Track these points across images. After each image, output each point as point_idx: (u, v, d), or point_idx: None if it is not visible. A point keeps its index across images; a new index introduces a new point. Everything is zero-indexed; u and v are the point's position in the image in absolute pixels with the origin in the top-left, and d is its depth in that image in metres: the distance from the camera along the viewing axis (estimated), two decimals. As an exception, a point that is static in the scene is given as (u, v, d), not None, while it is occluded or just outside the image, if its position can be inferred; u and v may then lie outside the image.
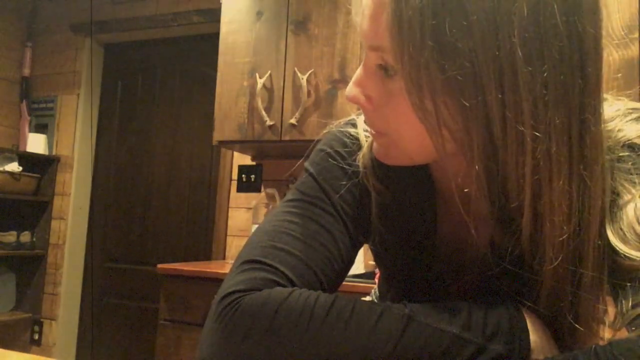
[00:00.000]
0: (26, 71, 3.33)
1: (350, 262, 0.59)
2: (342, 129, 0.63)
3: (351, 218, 0.58)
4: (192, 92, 3.04)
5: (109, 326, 3.12)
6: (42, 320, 3.16)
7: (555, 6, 0.41)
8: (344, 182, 0.59)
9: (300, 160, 0.68)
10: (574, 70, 0.42)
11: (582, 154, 0.44)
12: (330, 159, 0.60)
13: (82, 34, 3.23)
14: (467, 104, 0.42)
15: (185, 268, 2.06)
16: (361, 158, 0.60)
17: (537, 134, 0.42)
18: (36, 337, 3.16)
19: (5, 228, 3.08)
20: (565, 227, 0.45)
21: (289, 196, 0.59)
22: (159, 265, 2.10)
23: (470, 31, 0.40)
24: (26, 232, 3.13)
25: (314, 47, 2.12)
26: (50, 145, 3.23)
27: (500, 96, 0.42)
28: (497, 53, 0.41)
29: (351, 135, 0.62)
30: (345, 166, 0.60)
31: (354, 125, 0.63)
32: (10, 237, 3.05)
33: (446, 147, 0.45)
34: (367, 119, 0.53)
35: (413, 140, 0.48)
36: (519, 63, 0.41)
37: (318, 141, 0.64)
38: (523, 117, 0.42)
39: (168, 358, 2.04)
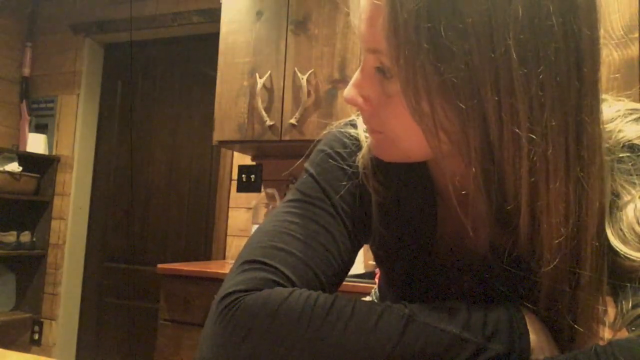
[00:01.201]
0: (26, 71, 3.32)
1: (350, 262, 0.59)
2: (342, 130, 0.63)
3: (351, 218, 0.58)
4: (192, 92, 3.04)
5: (109, 326, 3.12)
6: (42, 320, 3.16)
7: (551, 7, 0.40)
8: (344, 183, 0.59)
9: (300, 160, 0.68)
10: (570, 71, 0.42)
11: (579, 155, 0.44)
12: (330, 160, 0.60)
13: (82, 34, 3.23)
14: (463, 106, 0.42)
15: (185, 268, 2.06)
16: (361, 159, 0.60)
17: (533, 136, 0.42)
18: (36, 337, 3.16)
19: (5, 228, 3.07)
20: (562, 229, 0.45)
21: (289, 196, 0.60)
22: (159, 265, 2.10)
23: (466, 33, 0.40)
24: (26, 232, 3.13)
25: (314, 47, 2.12)
26: (50, 145, 3.23)
27: (496, 98, 0.41)
28: (492, 55, 0.40)
29: (351, 135, 0.62)
30: (345, 167, 0.60)
31: (354, 126, 0.63)
32: (10, 237, 3.05)
33: (443, 148, 0.45)
34: (365, 120, 0.53)
35: (410, 139, 0.49)
36: (514, 65, 0.41)
37: (318, 141, 0.64)
38: (519, 119, 0.42)
39: (168, 358, 2.04)
